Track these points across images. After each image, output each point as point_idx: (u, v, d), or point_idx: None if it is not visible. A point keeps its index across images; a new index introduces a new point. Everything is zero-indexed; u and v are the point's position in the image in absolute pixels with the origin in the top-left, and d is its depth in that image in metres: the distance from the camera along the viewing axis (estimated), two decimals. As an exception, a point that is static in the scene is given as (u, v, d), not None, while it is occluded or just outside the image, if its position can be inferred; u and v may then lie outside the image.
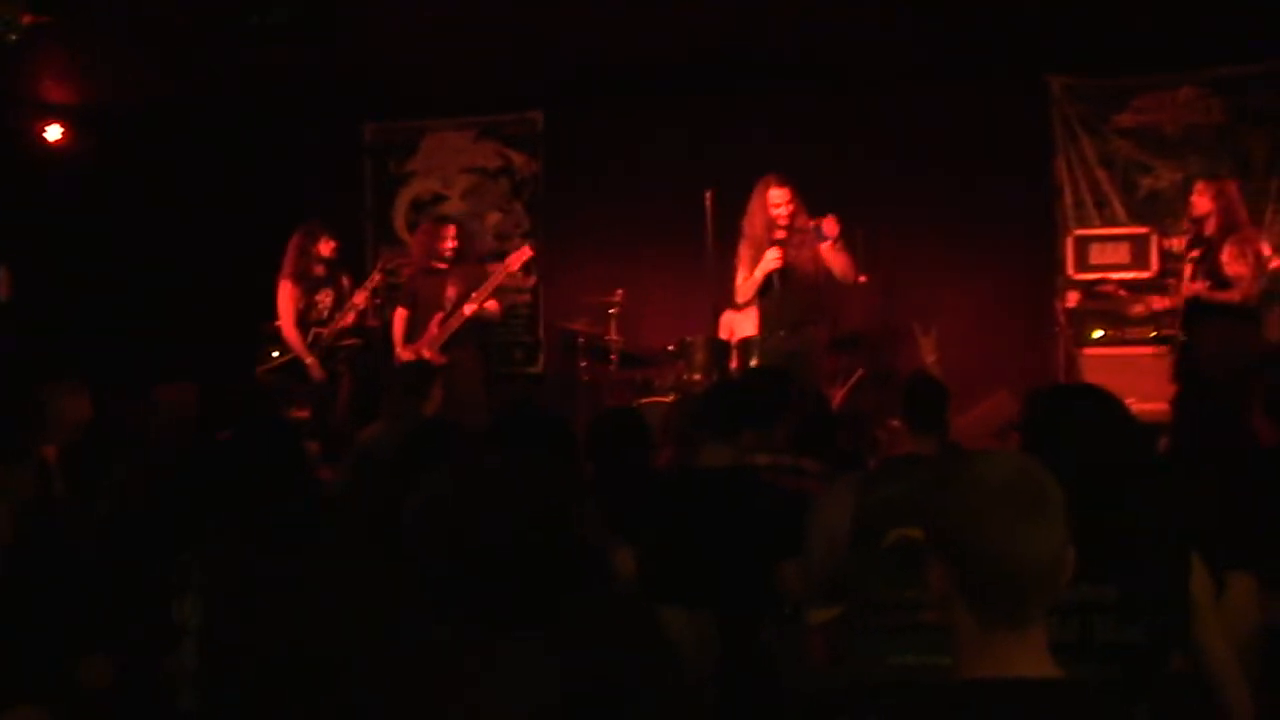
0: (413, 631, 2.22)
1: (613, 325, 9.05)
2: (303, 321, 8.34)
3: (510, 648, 2.18)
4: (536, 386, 10.21)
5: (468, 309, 8.03)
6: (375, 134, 10.87)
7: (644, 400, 8.53)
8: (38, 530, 3.74)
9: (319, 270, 8.38)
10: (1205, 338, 7.44)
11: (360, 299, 8.33)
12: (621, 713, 2.26)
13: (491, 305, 8.20)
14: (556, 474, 2.69)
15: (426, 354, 7.77)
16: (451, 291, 8.12)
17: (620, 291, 9.06)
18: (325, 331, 8.29)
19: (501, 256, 10.15)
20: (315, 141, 10.59)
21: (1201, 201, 7.58)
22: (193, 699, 3.00)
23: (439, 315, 8.08)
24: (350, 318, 8.32)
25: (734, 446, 4.29)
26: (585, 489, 2.85)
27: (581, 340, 9.31)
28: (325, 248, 8.38)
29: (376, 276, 8.49)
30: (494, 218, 10.57)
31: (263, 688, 2.68)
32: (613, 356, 9.06)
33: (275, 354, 8.44)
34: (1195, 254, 7.57)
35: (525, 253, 8.52)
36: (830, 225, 7.35)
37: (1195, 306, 7.49)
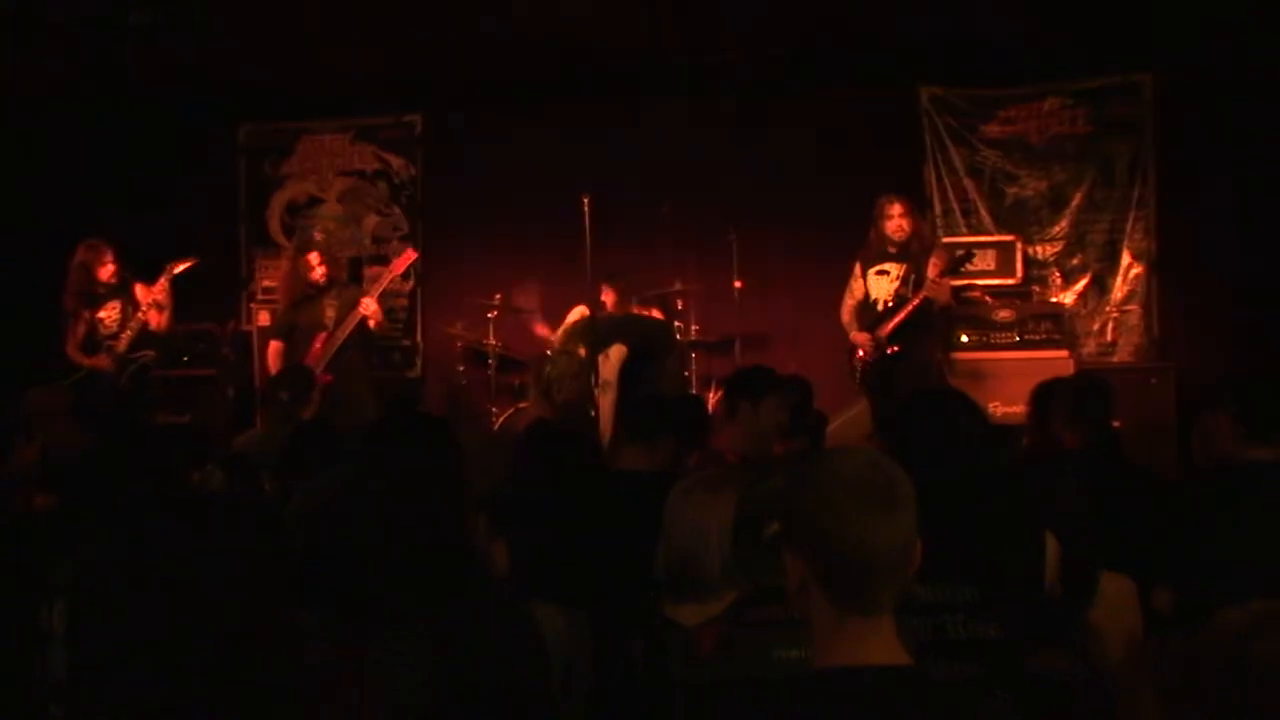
0: (290, 631, 2.24)
1: (491, 329, 9.06)
2: (92, 339, 8.19)
3: (383, 646, 2.21)
4: (415, 390, 10.17)
5: (369, 314, 7.94)
6: (250, 135, 10.73)
7: (522, 404, 8.55)
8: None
9: (99, 289, 8.19)
10: (916, 349, 7.66)
11: (151, 316, 8.12)
12: (491, 708, 2.29)
13: (373, 310, 8.00)
14: (436, 476, 2.72)
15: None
16: (330, 311, 7.97)
17: (498, 295, 9.08)
18: (117, 345, 8.10)
19: (381, 260, 10.14)
20: (189, 142, 10.42)
21: (905, 222, 7.75)
22: (61, 708, 2.96)
23: (322, 335, 7.91)
24: (129, 332, 8.12)
25: (653, 451, 4.37)
26: (466, 490, 2.87)
27: (460, 344, 9.31)
28: (104, 271, 8.17)
29: (163, 283, 8.15)
30: (372, 220, 10.51)
31: (134, 691, 2.63)
32: (491, 360, 9.07)
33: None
34: (902, 270, 7.75)
35: (409, 255, 8.42)
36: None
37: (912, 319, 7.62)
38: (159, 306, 8.15)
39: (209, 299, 9.33)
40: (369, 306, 7.95)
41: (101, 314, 8.20)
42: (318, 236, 10.21)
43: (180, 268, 8.16)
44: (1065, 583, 2.94)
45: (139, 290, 8.18)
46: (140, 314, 8.11)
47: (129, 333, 8.11)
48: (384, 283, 8.42)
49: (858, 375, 7.82)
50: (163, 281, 8.13)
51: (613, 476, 4.34)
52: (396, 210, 10.51)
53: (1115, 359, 9.03)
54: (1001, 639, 2.80)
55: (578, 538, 3.86)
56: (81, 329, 8.20)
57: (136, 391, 8.12)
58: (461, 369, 9.31)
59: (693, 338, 8.96)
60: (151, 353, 8.24)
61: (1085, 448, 4.58)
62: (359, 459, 2.86)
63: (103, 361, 8.09)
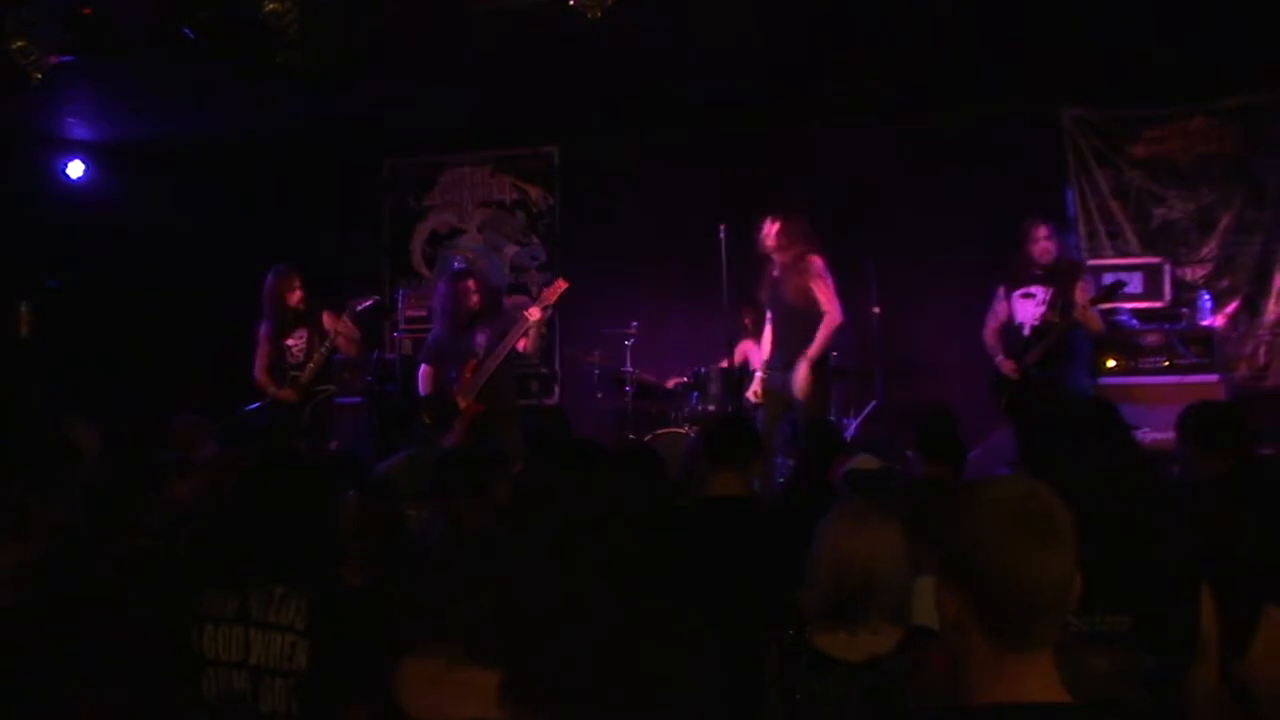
0: None
1: (628, 356, 9.09)
2: (278, 365, 8.25)
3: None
4: (560, 415, 10.22)
5: (523, 342, 7.89)
6: (394, 169, 10.96)
7: (660, 431, 8.57)
8: (67, 557, 3.77)
9: (288, 315, 8.24)
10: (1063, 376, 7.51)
11: (341, 343, 8.15)
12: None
13: (537, 318, 7.86)
14: (614, 494, 2.75)
15: (461, 403, 7.61)
16: (481, 338, 7.95)
17: (635, 323, 9.11)
18: (301, 376, 8.13)
19: (520, 289, 10.26)
20: (334, 176, 10.67)
21: (1051, 244, 7.63)
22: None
23: (472, 363, 7.90)
24: (313, 364, 8.14)
25: (743, 476, 4.35)
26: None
27: (597, 372, 9.36)
28: (293, 297, 8.22)
29: (348, 320, 8.18)
30: (511, 250, 10.66)
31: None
32: (628, 388, 9.11)
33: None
34: (1048, 294, 7.60)
35: (560, 285, 8.11)
36: None
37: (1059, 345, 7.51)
38: (348, 338, 8.19)
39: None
40: (535, 314, 7.76)
41: (290, 341, 8.23)
42: (458, 264, 10.33)
43: (362, 305, 8.25)
44: (1225, 614, 2.83)
45: (326, 318, 8.21)
46: (329, 343, 8.13)
47: (313, 364, 8.12)
48: (536, 314, 8.40)
49: (1003, 402, 7.69)
50: (347, 320, 8.15)
51: (716, 503, 4.31)
52: (535, 240, 10.64)
53: (1268, 383, 8.76)
54: (1157, 671, 2.69)
55: (700, 562, 3.85)
56: (270, 354, 8.26)
57: (319, 425, 8.22)
58: (600, 396, 9.36)
59: (831, 364, 8.87)
60: (333, 387, 8.34)
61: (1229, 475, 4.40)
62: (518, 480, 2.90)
63: (288, 394, 8.14)
